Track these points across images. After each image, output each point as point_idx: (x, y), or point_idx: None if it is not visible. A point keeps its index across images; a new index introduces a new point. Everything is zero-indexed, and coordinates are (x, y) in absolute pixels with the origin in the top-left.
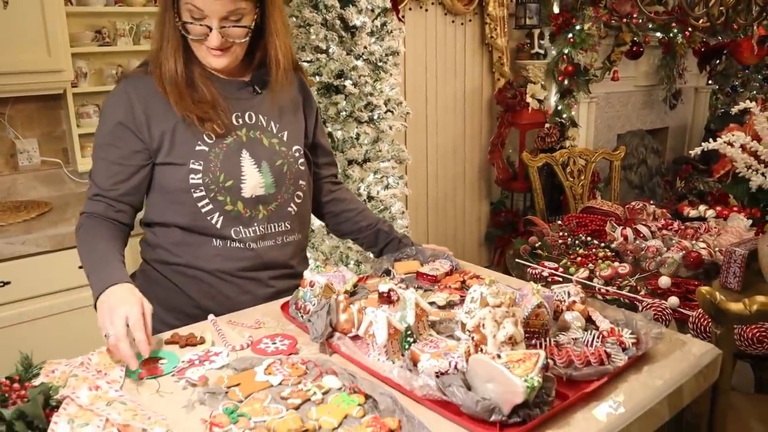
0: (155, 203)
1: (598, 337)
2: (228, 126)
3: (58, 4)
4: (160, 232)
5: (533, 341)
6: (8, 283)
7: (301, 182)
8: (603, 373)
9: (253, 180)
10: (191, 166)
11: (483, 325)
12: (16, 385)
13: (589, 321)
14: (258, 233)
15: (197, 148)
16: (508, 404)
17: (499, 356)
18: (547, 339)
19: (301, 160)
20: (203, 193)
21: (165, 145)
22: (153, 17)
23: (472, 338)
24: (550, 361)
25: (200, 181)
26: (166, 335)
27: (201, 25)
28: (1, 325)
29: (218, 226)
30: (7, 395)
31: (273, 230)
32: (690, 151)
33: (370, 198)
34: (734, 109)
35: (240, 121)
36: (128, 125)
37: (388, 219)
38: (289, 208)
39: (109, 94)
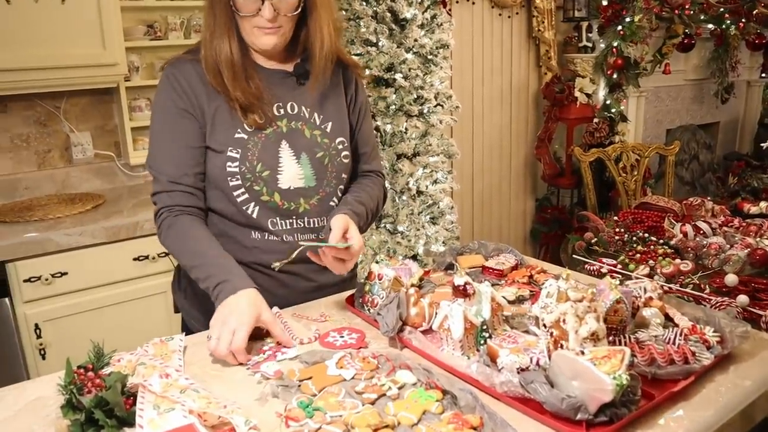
0: None
1: (680, 335)
2: (269, 117)
3: None
4: None
5: (611, 338)
6: (66, 273)
7: (344, 176)
8: (689, 372)
9: (291, 171)
10: (229, 153)
11: (564, 320)
12: (90, 374)
13: (667, 318)
14: (296, 226)
15: (236, 135)
16: (595, 402)
17: (582, 353)
18: (625, 336)
19: (345, 153)
20: (239, 182)
21: (208, 129)
22: (203, 12)
23: (551, 334)
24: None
25: (237, 169)
26: None
27: None
28: (60, 314)
29: (254, 216)
30: (82, 384)
31: (315, 225)
32: (761, 144)
33: (419, 193)
34: None
35: (281, 111)
36: (185, 108)
37: (436, 214)
38: (332, 203)
39: (159, 83)
